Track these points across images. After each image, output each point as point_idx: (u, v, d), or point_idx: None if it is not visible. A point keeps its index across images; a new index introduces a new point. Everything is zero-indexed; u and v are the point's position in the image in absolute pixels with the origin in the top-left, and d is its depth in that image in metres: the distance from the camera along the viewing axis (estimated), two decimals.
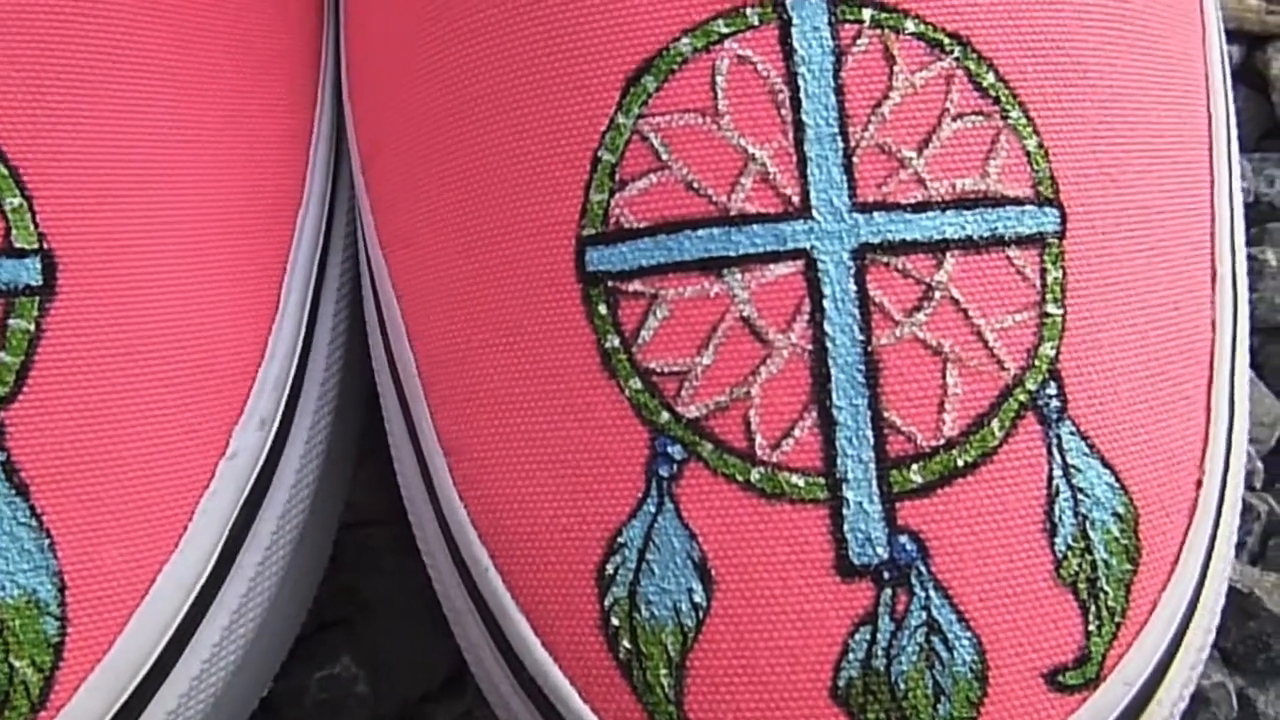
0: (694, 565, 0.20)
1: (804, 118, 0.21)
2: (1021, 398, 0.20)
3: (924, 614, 0.19)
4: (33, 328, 0.21)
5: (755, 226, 0.20)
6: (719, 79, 0.21)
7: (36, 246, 0.21)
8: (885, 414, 0.20)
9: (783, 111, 0.21)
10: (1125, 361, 0.21)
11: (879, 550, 0.19)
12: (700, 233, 0.20)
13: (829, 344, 0.20)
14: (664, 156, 0.21)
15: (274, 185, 0.24)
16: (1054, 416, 0.20)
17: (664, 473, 0.20)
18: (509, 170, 0.22)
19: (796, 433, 0.20)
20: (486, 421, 0.21)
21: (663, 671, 0.20)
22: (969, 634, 0.19)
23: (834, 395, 0.20)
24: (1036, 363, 0.20)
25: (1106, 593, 0.20)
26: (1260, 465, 0.28)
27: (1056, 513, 0.20)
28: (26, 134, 0.21)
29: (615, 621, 0.20)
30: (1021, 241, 0.21)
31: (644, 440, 0.20)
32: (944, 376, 0.20)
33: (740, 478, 0.20)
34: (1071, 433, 0.20)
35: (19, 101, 0.21)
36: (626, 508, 0.20)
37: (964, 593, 0.19)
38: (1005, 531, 0.20)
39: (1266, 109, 0.32)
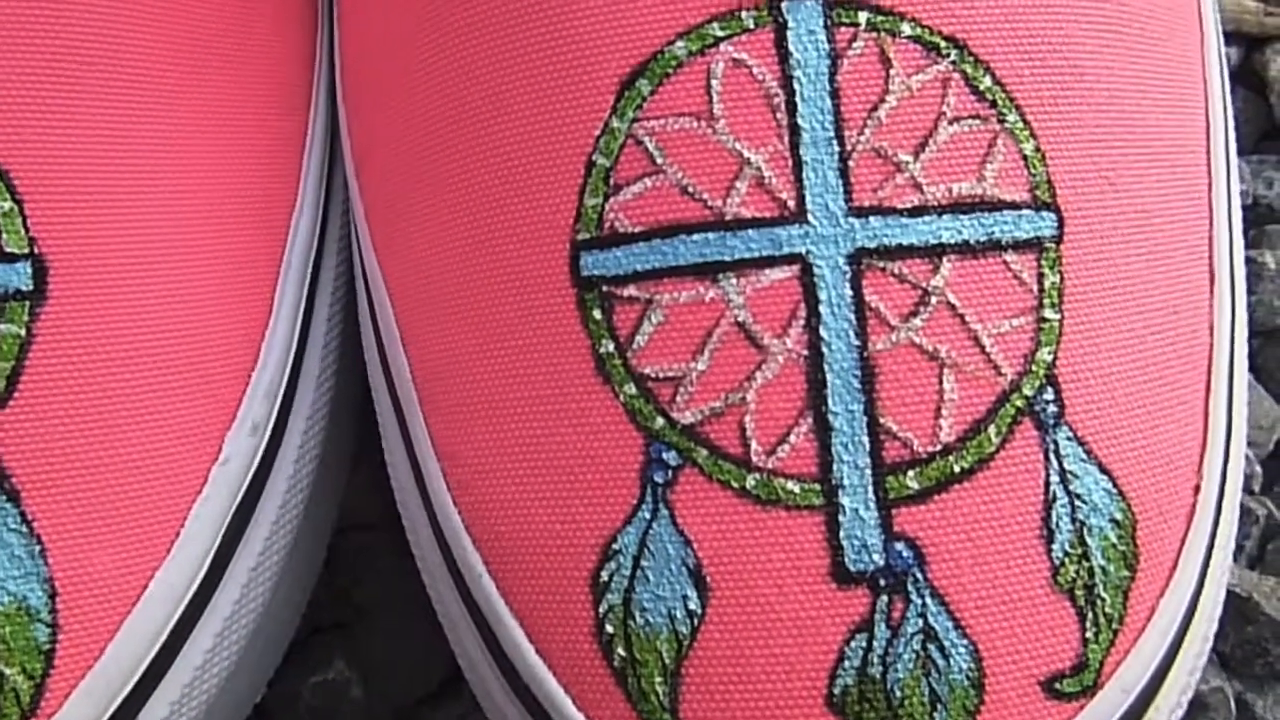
0: (689, 572, 0.20)
1: (799, 121, 0.20)
2: (1018, 403, 0.20)
3: (920, 621, 0.19)
4: (23, 333, 0.20)
5: (750, 231, 0.20)
6: (714, 82, 0.21)
7: (27, 251, 0.21)
8: (881, 420, 0.20)
9: (778, 115, 0.21)
10: (1123, 366, 0.21)
11: (875, 557, 0.19)
12: (695, 237, 0.20)
13: (825, 349, 0.20)
14: (659, 160, 0.21)
15: (267, 188, 0.24)
16: (1051, 422, 0.20)
17: (659, 479, 0.20)
18: (503, 174, 0.22)
19: (792, 439, 0.20)
20: (481, 427, 0.21)
21: (657, 679, 0.19)
22: (965, 641, 0.19)
23: (830, 401, 0.20)
24: (1034, 368, 0.20)
25: (1104, 599, 0.20)
26: (1259, 469, 0.28)
27: (1054, 519, 0.20)
28: (17, 138, 0.21)
29: (610, 628, 0.20)
30: (1019, 246, 0.21)
31: (639, 446, 0.20)
32: (940, 382, 0.20)
33: (735, 484, 0.20)
34: (1069, 438, 0.20)
35: (9, 106, 0.21)
36: (621, 514, 0.20)
37: (961, 600, 0.19)
38: (1002, 538, 0.20)
39: (1265, 111, 0.32)
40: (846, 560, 0.19)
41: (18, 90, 0.21)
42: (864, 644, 0.19)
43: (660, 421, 0.20)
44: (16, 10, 0.21)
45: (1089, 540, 0.20)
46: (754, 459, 0.20)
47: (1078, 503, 0.20)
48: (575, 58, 0.21)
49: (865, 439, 0.20)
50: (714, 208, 0.20)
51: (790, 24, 0.21)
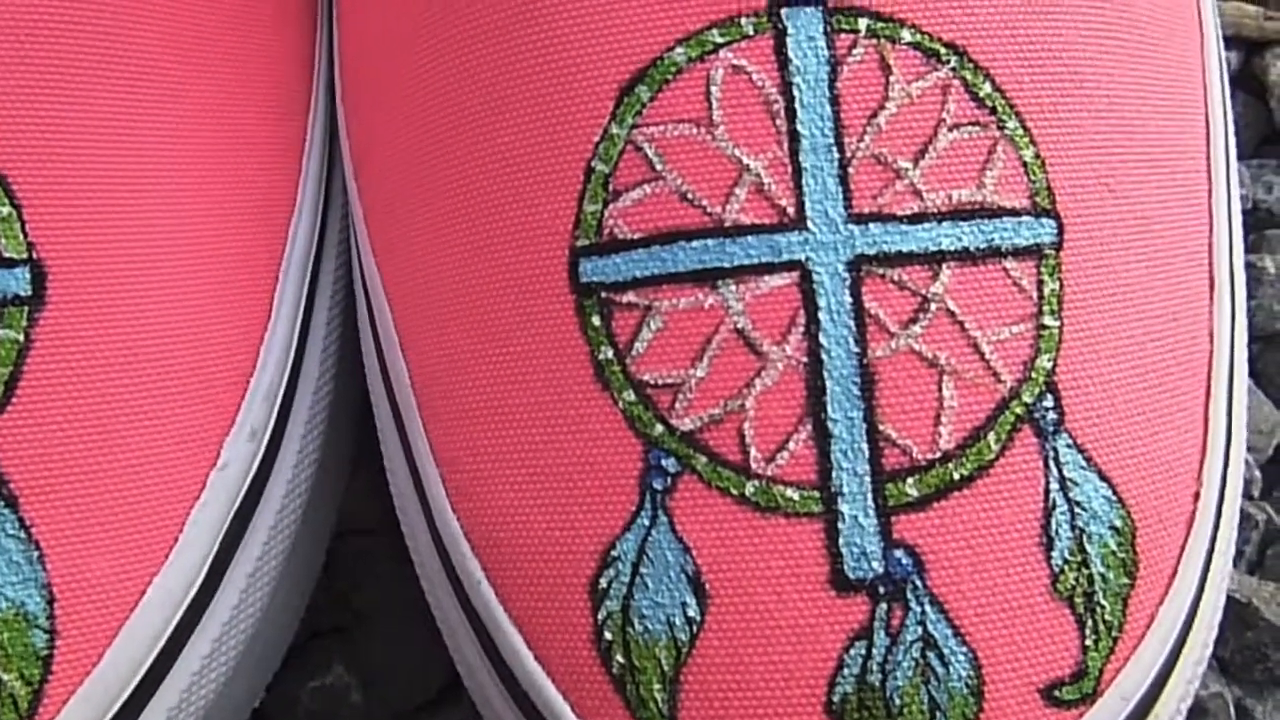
0: (688, 579, 0.20)
1: (799, 128, 0.20)
2: (1018, 410, 0.20)
3: (919, 629, 0.19)
4: (22, 338, 0.20)
5: (750, 238, 0.20)
6: (713, 89, 0.21)
7: (26, 256, 0.21)
8: (881, 427, 0.20)
9: (778, 122, 0.21)
10: (1123, 373, 0.21)
11: (874, 564, 0.19)
12: (694, 244, 0.20)
13: (824, 356, 0.20)
14: (658, 167, 0.21)
15: (267, 191, 0.24)
16: (1051, 429, 0.20)
17: (658, 486, 0.20)
18: (502, 179, 0.22)
19: (791, 446, 0.20)
20: (479, 433, 0.21)
21: (656, 686, 0.19)
22: (965, 649, 0.19)
23: (829, 408, 0.20)
24: (1033, 375, 0.20)
25: (1103, 607, 0.20)
26: (1258, 474, 0.28)
27: (1053, 526, 0.20)
28: (15, 143, 0.21)
29: (608, 636, 0.20)
30: (1018, 253, 0.21)
31: (637, 453, 0.20)
32: (940, 389, 0.20)
33: (735, 491, 0.20)
34: (1068, 445, 0.20)
35: (8, 111, 0.21)
36: (620, 521, 0.20)
37: (960, 607, 0.19)
38: (1001, 545, 0.19)
39: (1264, 115, 0.32)
40: (846, 567, 0.19)
41: (16, 95, 0.21)
42: (863, 651, 0.19)
43: (659, 428, 0.20)
44: (12, 16, 0.21)
45: (1088, 547, 0.20)
46: (753, 466, 0.20)
47: (1077, 510, 0.20)
48: (574, 63, 0.21)
49: (864, 446, 0.20)
50: (713, 214, 0.20)
51: (790, 30, 0.21)
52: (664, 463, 0.20)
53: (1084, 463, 0.20)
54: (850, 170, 0.20)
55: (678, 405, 0.20)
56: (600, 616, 0.20)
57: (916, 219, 0.20)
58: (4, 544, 0.20)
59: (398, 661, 0.26)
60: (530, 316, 0.21)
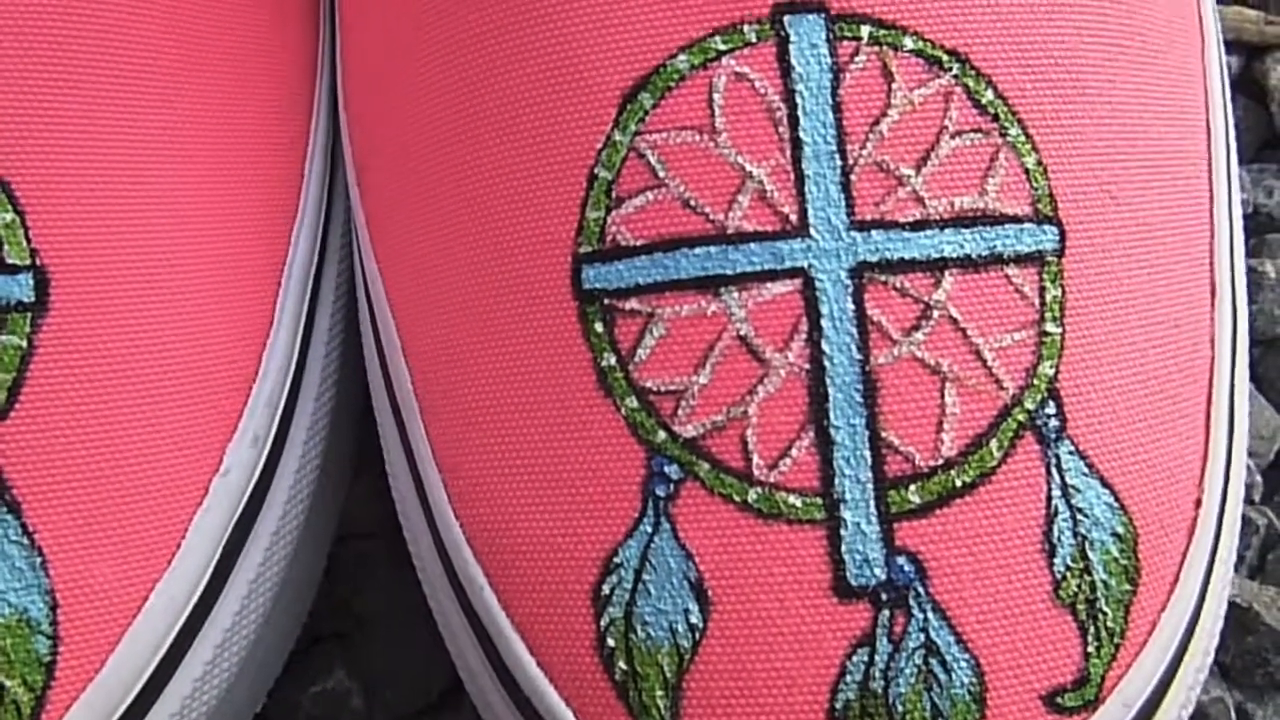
0: (690, 586, 0.20)
1: (802, 135, 0.20)
2: (1020, 417, 0.20)
3: (922, 635, 0.19)
4: (25, 344, 0.20)
5: (752, 245, 0.20)
6: (716, 96, 0.21)
7: (29, 262, 0.21)
8: (883, 434, 0.20)
9: (780, 129, 0.21)
10: (1125, 380, 0.21)
11: (877, 571, 0.19)
12: (697, 251, 0.20)
13: (827, 363, 0.20)
14: (661, 174, 0.21)
15: (269, 198, 0.24)
16: (1053, 436, 0.20)
17: (660, 492, 0.20)
18: (505, 185, 0.22)
19: (794, 453, 0.20)
20: (482, 439, 0.21)
21: (659, 693, 0.19)
22: (967, 656, 0.19)
23: (832, 415, 0.20)
24: (1035, 382, 0.20)
25: (1106, 613, 0.20)
26: (1259, 479, 0.28)
27: (1055, 533, 0.20)
28: (18, 150, 0.21)
29: (611, 642, 0.20)
30: (1020, 260, 0.21)
31: (640, 459, 0.20)
32: (942, 396, 0.20)
33: (737, 498, 0.20)
34: (1070, 452, 0.20)
35: (10, 117, 0.21)
36: (623, 527, 0.20)
37: (962, 614, 0.19)
38: (1004, 552, 0.20)
39: (1265, 119, 0.32)
40: (848, 574, 0.19)
41: (18, 102, 0.21)
42: (865, 658, 0.19)
43: (662, 435, 0.20)
44: (15, 20, 0.21)
45: (1091, 554, 0.20)
46: (756, 473, 0.20)
47: (1079, 517, 0.20)
48: (577, 70, 0.21)
49: (867, 453, 0.20)
50: (716, 221, 0.20)
51: (792, 38, 0.21)
52: (666, 469, 0.20)
53: (1086, 469, 0.20)
54: (853, 177, 0.20)
55: (680, 412, 0.20)
56: (603, 623, 0.20)
57: (919, 226, 0.20)
58: (7, 550, 0.20)
59: (399, 666, 0.26)
60: (533, 322, 0.21)
